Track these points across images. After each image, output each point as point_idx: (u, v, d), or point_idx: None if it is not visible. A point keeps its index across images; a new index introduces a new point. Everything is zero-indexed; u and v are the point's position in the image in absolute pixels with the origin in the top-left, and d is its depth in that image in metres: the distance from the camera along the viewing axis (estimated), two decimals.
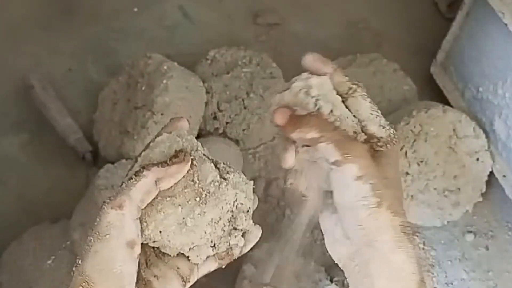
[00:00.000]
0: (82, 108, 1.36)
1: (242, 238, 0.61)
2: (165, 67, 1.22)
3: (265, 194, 1.23)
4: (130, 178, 0.54)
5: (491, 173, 1.24)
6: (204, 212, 0.58)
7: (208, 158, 0.60)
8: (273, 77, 1.32)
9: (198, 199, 0.58)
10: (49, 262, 1.08)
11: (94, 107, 1.32)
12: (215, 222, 0.59)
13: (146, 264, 0.59)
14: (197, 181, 0.58)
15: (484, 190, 1.23)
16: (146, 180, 0.54)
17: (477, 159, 1.22)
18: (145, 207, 0.56)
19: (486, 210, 1.27)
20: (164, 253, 0.61)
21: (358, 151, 0.52)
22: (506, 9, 1.13)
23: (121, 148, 1.20)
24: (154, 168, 0.55)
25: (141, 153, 0.57)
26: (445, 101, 1.32)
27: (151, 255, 0.60)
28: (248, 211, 0.61)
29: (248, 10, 1.58)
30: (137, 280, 0.55)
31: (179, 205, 0.58)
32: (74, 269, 0.53)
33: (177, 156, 0.57)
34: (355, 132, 0.54)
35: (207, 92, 1.26)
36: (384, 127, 0.56)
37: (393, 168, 0.54)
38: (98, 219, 0.53)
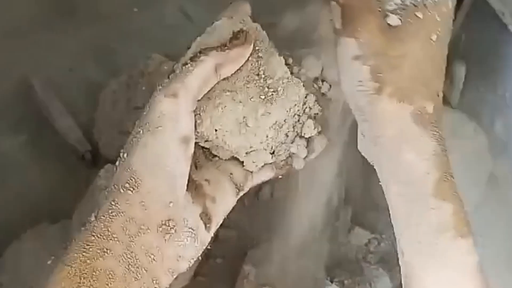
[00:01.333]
0: (82, 108, 1.36)
1: (305, 149, 0.53)
2: (165, 67, 1.22)
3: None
4: (185, 64, 0.46)
5: (492, 173, 1.24)
6: (269, 113, 0.49)
7: (277, 52, 0.50)
8: None
9: (263, 97, 0.49)
10: (49, 262, 1.08)
11: (94, 107, 1.32)
12: (278, 126, 0.51)
13: (195, 166, 0.50)
14: (263, 76, 0.50)
15: (484, 190, 1.23)
16: (205, 66, 0.46)
17: (477, 159, 1.22)
18: (200, 100, 0.47)
19: (486, 210, 1.27)
20: (214, 156, 0.52)
21: (364, 23, 0.43)
22: (506, 9, 1.13)
23: (122, 148, 1.20)
24: (213, 52, 0.47)
25: (195, 39, 0.47)
26: (445, 101, 1.32)
27: (200, 157, 0.51)
28: (315, 117, 0.53)
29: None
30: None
31: (240, 101, 0.49)
32: (117, 164, 0.45)
33: (237, 37, 0.48)
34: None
35: None
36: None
37: (417, 41, 0.44)
38: (148, 108, 0.45)
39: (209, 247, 1.12)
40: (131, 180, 0.45)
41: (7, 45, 1.49)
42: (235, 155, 0.52)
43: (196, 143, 0.49)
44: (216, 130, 0.50)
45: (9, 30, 1.52)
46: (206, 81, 0.47)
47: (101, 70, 1.44)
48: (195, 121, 0.48)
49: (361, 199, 1.25)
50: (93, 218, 0.45)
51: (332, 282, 1.10)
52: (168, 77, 0.48)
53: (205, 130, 0.50)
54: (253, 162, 0.52)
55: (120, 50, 1.49)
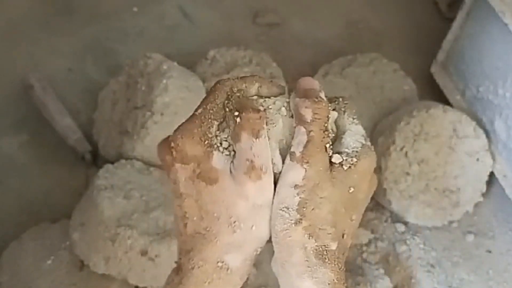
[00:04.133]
0: (81, 108, 1.36)
1: None
2: (165, 67, 1.22)
3: None
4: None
5: (492, 173, 1.24)
6: None
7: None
8: (273, 77, 1.32)
9: None
10: (49, 262, 1.08)
11: (93, 107, 1.32)
12: None
13: None
14: None
15: (484, 190, 1.23)
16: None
17: (477, 159, 1.22)
18: None
19: (486, 210, 1.27)
20: None
21: (318, 156, 0.48)
22: (506, 9, 1.13)
23: (121, 148, 1.20)
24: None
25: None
26: (445, 101, 1.32)
27: None
28: None
29: (248, 10, 1.57)
30: None
31: None
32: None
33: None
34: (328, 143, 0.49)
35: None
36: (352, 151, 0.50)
37: (339, 189, 0.49)
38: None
39: None
40: None
41: (7, 45, 1.49)
42: None
43: None
44: None
45: (9, 30, 1.52)
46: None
47: (100, 70, 1.44)
48: None
49: None
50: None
51: None
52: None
53: None
54: None
55: (120, 50, 1.49)
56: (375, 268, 1.16)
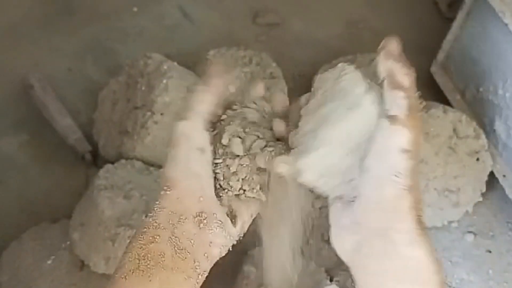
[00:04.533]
0: (81, 108, 1.36)
1: None
2: (165, 67, 1.22)
3: None
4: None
5: (491, 173, 1.24)
6: None
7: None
8: (273, 77, 1.32)
9: None
10: (49, 262, 1.08)
11: (93, 107, 1.32)
12: None
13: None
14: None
15: (484, 190, 1.23)
16: (203, 93, 0.58)
17: (477, 159, 1.22)
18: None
19: (486, 210, 1.27)
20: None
21: (417, 123, 0.48)
22: (506, 9, 1.13)
23: (121, 148, 1.20)
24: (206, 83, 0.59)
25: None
26: (445, 101, 1.32)
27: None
28: None
29: (248, 10, 1.57)
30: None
31: None
32: (159, 180, 0.58)
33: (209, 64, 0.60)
34: None
35: None
36: None
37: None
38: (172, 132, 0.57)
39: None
40: (168, 183, 0.56)
41: (6, 45, 1.49)
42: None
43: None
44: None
45: (9, 30, 1.52)
46: (211, 102, 0.58)
47: (100, 70, 1.44)
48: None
49: None
50: (143, 217, 0.54)
51: (331, 281, 1.10)
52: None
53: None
54: None
55: (119, 49, 1.49)
56: None
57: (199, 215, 0.55)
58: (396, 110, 0.48)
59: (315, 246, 1.14)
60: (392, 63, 0.50)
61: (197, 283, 0.55)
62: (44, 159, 1.29)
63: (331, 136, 0.49)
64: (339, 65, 0.55)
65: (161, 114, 1.17)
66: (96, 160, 1.27)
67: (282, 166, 0.53)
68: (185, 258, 0.53)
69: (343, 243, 0.50)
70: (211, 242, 0.55)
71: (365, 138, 0.49)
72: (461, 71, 1.32)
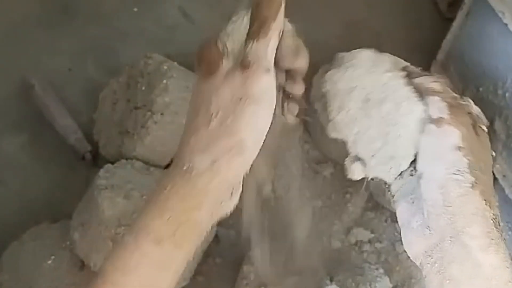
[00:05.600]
0: (82, 108, 1.36)
1: None
2: (165, 67, 1.22)
3: None
4: (251, 40, 0.52)
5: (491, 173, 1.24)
6: None
7: None
8: None
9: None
10: (49, 262, 1.08)
11: (94, 107, 1.32)
12: None
13: None
14: None
15: None
16: (274, 38, 0.53)
17: None
18: None
19: None
20: None
21: (463, 119, 0.47)
22: (506, 9, 1.13)
23: (121, 148, 1.20)
24: (271, 24, 0.54)
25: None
26: None
27: None
28: None
29: None
30: None
31: None
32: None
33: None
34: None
35: None
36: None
37: (488, 152, 0.48)
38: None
39: (208, 246, 1.12)
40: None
41: (7, 45, 1.49)
42: None
43: None
44: None
45: (9, 30, 1.52)
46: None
47: (101, 70, 1.44)
48: None
49: (362, 199, 1.25)
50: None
51: (332, 282, 1.10)
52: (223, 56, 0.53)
53: None
54: None
55: (120, 50, 1.49)
56: (375, 268, 1.16)
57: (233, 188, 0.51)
58: (438, 113, 0.48)
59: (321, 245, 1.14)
60: (419, 79, 0.51)
61: None
62: (45, 159, 1.30)
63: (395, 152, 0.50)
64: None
65: (161, 114, 1.17)
66: (97, 160, 1.27)
67: (356, 172, 0.52)
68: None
69: (414, 246, 0.49)
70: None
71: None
72: (460, 71, 1.32)
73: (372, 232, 1.22)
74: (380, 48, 1.61)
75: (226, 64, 0.51)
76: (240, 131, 0.47)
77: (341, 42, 1.53)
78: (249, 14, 0.55)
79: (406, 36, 1.55)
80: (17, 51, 1.46)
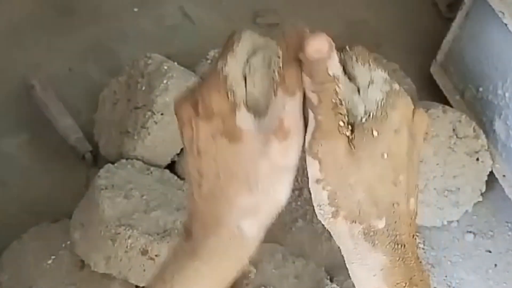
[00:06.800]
0: (82, 108, 1.36)
1: None
2: (165, 67, 1.22)
3: None
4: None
5: (491, 173, 1.24)
6: None
7: None
8: None
9: None
10: (49, 262, 1.08)
11: (94, 107, 1.32)
12: None
13: None
14: None
15: (484, 190, 1.23)
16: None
17: (477, 159, 1.22)
18: None
19: (486, 210, 1.27)
20: None
21: (331, 147, 0.44)
22: (506, 9, 1.13)
23: (121, 148, 1.20)
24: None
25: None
26: (445, 101, 1.32)
27: None
28: None
29: (248, 10, 1.58)
30: None
31: None
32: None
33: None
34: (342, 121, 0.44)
35: None
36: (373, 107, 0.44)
37: (369, 162, 0.44)
38: None
39: None
40: None
41: (7, 45, 1.49)
42: None
43: None
44: None
45: (9, 30, 1.52)
46: None
47: (101, 70, 1.44)
48: None
49: None
50: None
51: (332, 281, 1.11)
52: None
53: None
54: None
55: (120, 50, 1.49)
56: None
57: None
58: (307, 137, 0.44)
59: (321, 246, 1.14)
60: (304, 79, 0.45)
61: None
62: (45, 159, 1.30)
63: None
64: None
65: (161, 114, 1.17)
66: (97, 160, 1.27)
67: None
68: None
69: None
70: None
71: None
72: (460, 71, 1.32)
73: None
74: (380, 48, 1.62)
75: (245, 120, 0.45)
76: (281, 195, 0.45)
77: (341, 42, 1.53)
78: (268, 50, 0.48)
79: (406, 36, 1.55)
80: (17, 51, 1.46)
